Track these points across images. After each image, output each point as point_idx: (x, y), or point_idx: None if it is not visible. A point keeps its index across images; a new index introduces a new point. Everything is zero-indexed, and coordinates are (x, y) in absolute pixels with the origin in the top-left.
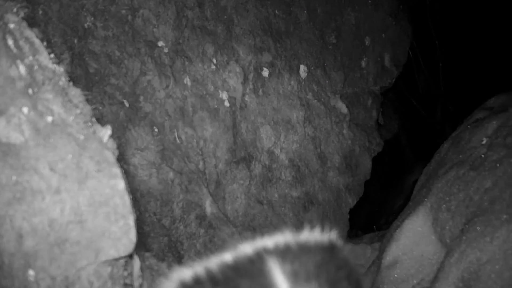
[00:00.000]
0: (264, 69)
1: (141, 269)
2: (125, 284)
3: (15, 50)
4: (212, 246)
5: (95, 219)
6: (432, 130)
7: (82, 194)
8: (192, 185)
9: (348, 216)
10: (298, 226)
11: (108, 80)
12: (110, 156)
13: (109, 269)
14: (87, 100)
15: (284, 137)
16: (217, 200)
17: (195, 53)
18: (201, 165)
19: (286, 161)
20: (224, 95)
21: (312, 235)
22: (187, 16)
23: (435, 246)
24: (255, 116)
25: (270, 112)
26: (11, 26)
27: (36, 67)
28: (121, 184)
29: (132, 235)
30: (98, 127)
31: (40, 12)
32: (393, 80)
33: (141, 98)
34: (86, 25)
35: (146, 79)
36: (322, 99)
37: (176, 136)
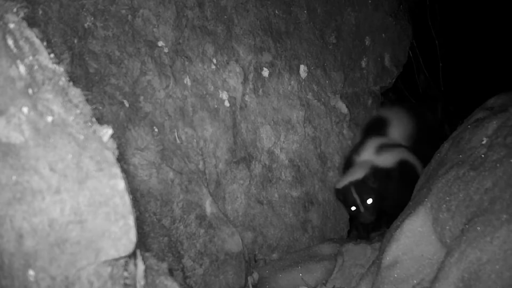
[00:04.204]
0: (264, 69)
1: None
2: (125, 284)
3: (15, 50)
4: (212, 246)
5: (95, 219)
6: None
7: (82, 194)
8: (192, 185)
9: (348, 216)
10: (298, 226)
11: (108, 80)
12: (110, 156)
13: (109, 269)
14: (87, 100)
15: (284, 137)
16: (217, 200)
17: (195, 53)
18: (201, 165)
19: (286, 161)
20: (224, 95)
21: None
22: (187, 16)
23: (435, 246)
24: (255, 116)
25: (270, 112)
26: (11, 26)
27: (36, 67)
28: (121, 184)
29: (132, 235)
30: (98, 127)
31: (40, 12)
32: (393, 80)
33: (141, 98)
34: (86, 25)
35: (146, 79)
36: (322, 99)
37: (176, 136)
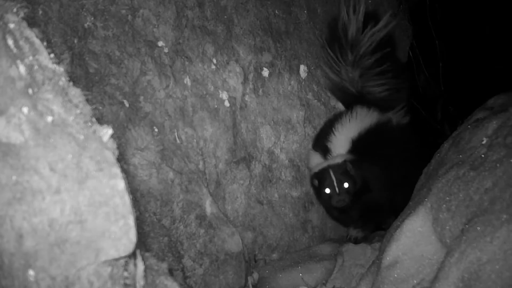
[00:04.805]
0: (264, 69)
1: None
2: (125, 284)
3: (15, 50)
4: (212, 246)
5: (95, 219)
6: (432, 130)
7: (82, 194)
8: (192, 185)
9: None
10: (298, 226)
11: (108, 80)
12: (110, 156)
13: (109, 269)
14: (87, 100)
15: (284, 137)
16: (217, 200)
17: (195, 53)
18: (201, 165)
19: (286, 161)
20: (224, 95)
21: None
22: (187, 16)
23: (435, 246)
24: (255, 116)
25: (270, 112)
26: (11, 26)
27: (36, 67)
28: (121, 184)
29: (132, 235)
30: (98, 127)
31: (40, 12)
32: None
33: (141, 98)
34: (86, 25)
35: (146, 79)
36: (322, 99)
37: (176, 136)
